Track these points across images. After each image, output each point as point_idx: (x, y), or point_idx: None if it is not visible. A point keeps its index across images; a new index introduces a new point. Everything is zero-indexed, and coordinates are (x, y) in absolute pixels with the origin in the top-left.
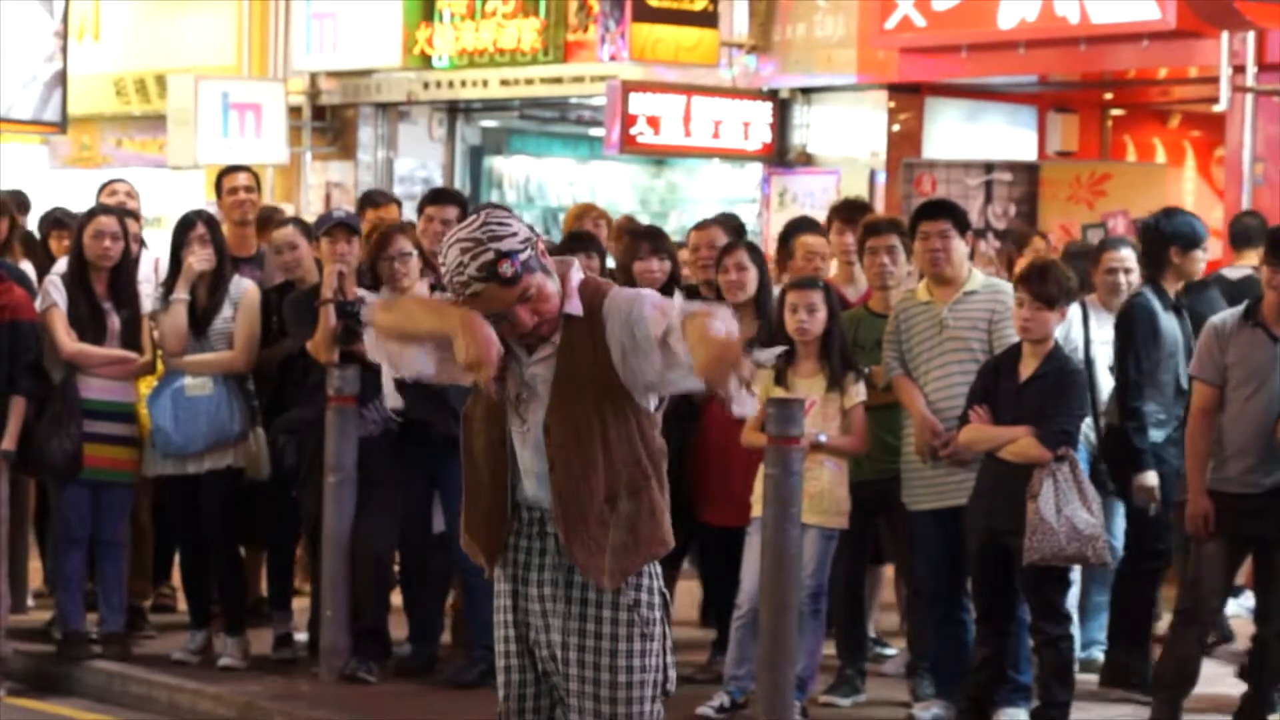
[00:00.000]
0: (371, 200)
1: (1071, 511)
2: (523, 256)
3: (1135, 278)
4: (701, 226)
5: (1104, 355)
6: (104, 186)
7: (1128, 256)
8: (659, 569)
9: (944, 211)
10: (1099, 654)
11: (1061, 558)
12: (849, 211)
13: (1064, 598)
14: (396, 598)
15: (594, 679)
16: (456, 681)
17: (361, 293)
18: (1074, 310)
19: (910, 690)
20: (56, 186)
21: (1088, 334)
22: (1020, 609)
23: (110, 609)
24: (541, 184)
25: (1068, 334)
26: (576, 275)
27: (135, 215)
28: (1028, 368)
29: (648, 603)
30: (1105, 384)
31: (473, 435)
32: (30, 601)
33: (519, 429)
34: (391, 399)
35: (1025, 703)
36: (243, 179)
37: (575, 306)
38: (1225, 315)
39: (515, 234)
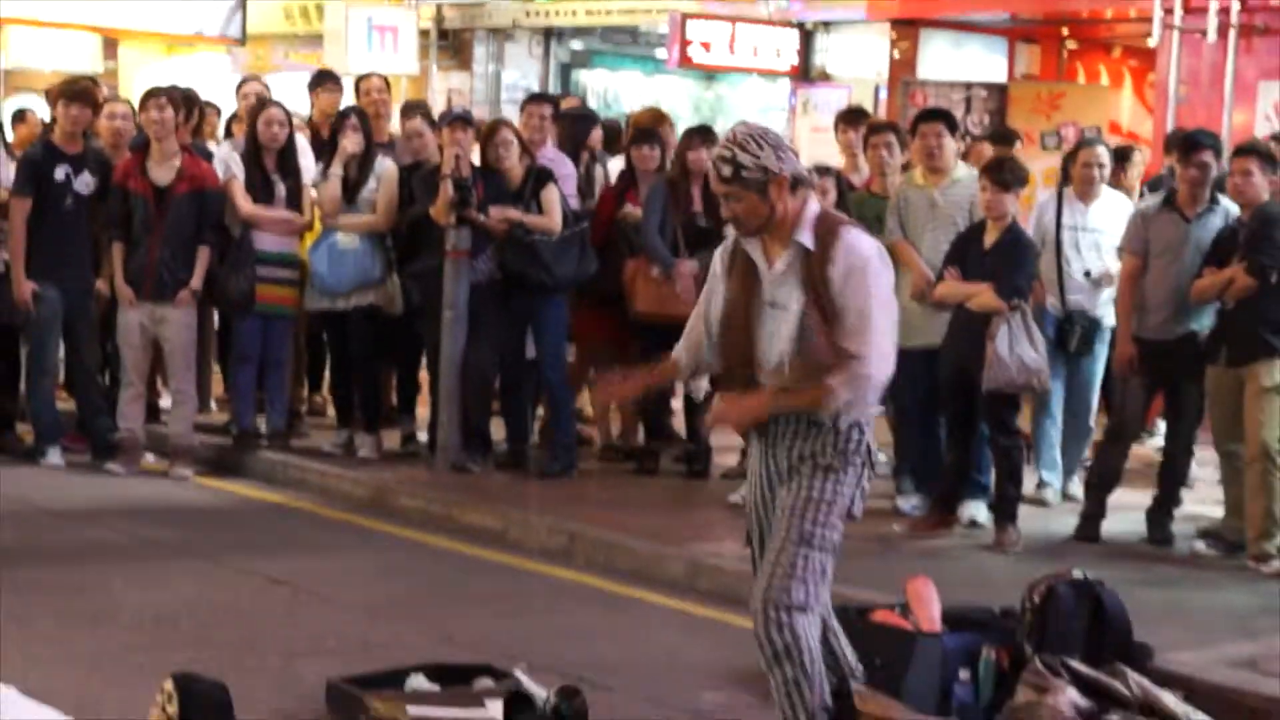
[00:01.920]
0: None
1: (1021, 350)
2: (746, 174)
3: (1108, 172)
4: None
5: (1070, 240)
6: (239, 86)
7: (1102, 153)
8: (866, 429)
9: (939, 116)
10: (1052, 483)
11: (1013, 386)
12: (850, 116)
13: (1014, 417)
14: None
15: (790, 501)
16: (543, 471)
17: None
18: (1049, 199)
19: (895, 486)
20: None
21: (1060, 220)
22: (980, 426)
23: (275, 412)
24: (617, 93)
25: (1040, 218)
26: (812, 208)
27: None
28: (990, 238)
29: (853, 452)
30: (1073, 262)
31: (734, 322)
32: (212, 405)
33: (772, 324)
34: None
35: (984, 496)
36: (376, 82)
37: (805, 238)
38: (1149, 201)
39: (756, 157)
